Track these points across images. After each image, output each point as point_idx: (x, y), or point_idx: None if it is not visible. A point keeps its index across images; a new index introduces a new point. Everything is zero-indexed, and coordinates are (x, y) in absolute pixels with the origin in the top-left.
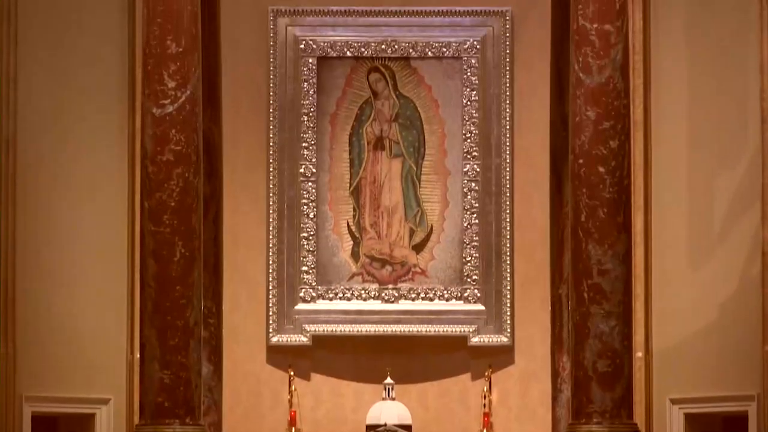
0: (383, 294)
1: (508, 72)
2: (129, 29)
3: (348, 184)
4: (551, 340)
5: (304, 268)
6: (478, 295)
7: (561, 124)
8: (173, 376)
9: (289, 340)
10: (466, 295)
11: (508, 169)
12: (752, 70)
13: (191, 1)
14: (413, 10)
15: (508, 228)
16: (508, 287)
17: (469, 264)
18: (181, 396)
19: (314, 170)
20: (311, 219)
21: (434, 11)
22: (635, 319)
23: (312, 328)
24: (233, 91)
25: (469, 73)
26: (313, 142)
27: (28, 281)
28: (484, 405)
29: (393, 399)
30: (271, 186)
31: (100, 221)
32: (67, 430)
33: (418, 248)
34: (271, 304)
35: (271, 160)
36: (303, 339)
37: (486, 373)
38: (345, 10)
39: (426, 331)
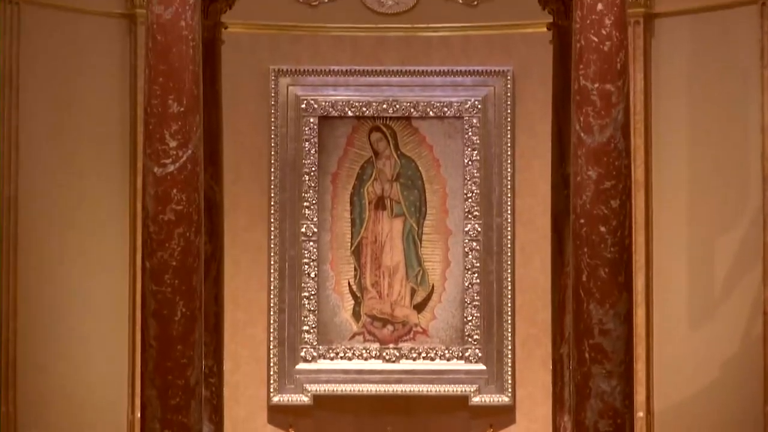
0: (384, 353)
1: (509, 131)
2: (130, 89)
3: (349, 244)
4: (552, 400)
5: (305, 328)
6: (480, 354)
7: (562, 183)
8: None
9: (290, 399)
10: (467, 354)
11: (509, 228)
12: (753, 131)
13: (193, 61)
14: (414, 70)
15: (509, 287)
16: (510, 347)
17: (470, 323)
18: None
19: (315, 229)
20: (312, 278)
21: (435, 71)
22: (636, 378)
23: (313, 387)
24: (235, 151)
25: (470, 133)
26: (314, 202)
27: (28, 340)
28: None
29: None
30: (272, 245)
31: (101, 281)
32: None
33: (419, 308)
34: (272, 364)
35: (272, 220)
36: (304, 399)
37: None
38: (346, 70)
39: (427, 390)
